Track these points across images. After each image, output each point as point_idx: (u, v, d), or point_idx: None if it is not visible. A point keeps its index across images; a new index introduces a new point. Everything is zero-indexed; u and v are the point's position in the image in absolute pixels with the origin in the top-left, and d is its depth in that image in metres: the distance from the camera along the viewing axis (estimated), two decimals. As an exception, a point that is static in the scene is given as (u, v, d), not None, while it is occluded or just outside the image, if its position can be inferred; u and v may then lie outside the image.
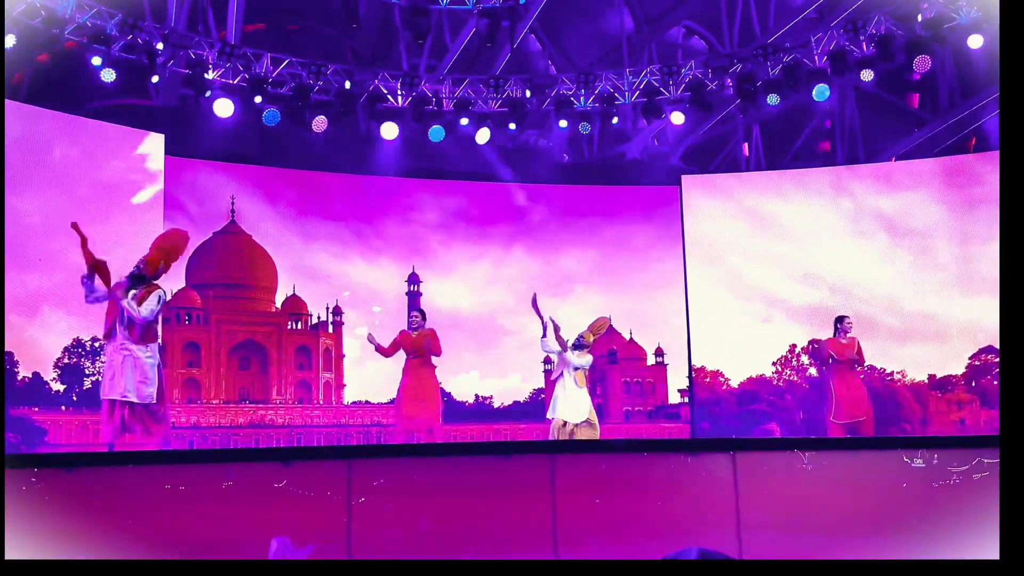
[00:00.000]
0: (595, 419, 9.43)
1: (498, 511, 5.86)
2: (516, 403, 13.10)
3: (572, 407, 9.34)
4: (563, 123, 12.56)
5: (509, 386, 13.10)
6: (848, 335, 10.55)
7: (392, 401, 11.06)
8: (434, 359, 10.19)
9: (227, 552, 5.25)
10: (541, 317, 9.38)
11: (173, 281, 8.94)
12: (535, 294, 9.47)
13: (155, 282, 7.94)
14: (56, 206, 10.74)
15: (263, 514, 5.48)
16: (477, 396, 12.99)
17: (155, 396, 7.86)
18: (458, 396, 12.80)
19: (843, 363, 10.52)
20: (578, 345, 9.44)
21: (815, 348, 10.78)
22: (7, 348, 10.31)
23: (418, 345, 9.98)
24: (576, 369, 9.39)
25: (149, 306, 7.79)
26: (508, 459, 6.19)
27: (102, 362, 10.71)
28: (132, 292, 7.77)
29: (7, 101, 10.44)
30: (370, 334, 10.09)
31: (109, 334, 7.93)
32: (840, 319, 10.67)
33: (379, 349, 10.08)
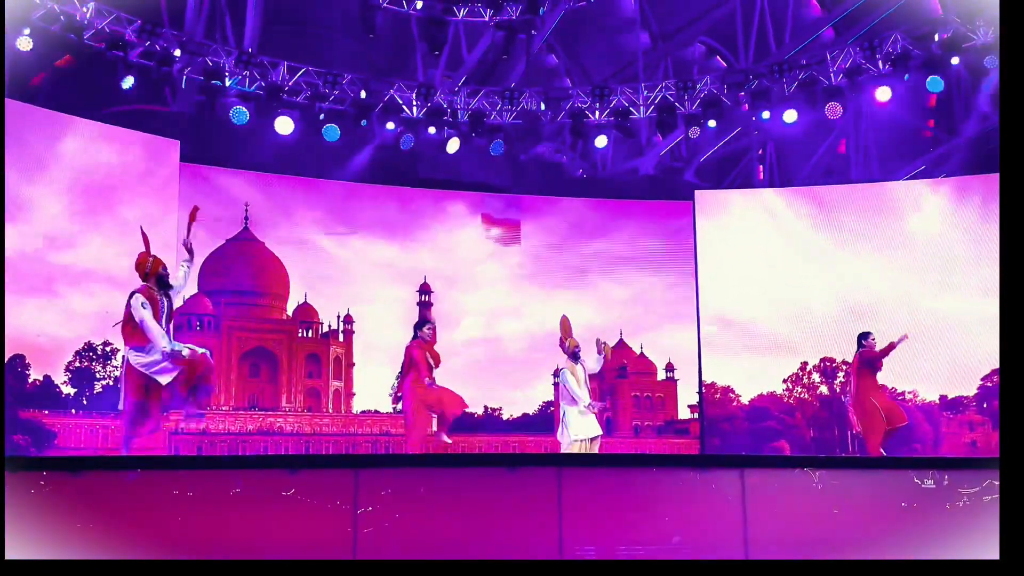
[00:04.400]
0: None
1: (504, 523, 5.85)
2: (525, 415, 13.07)
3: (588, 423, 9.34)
4: (602, 140, 12.67)
5: (518, 398, 13.05)
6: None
7: (401, 412, 11.01)
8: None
9: (233, 558, 5.25)
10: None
11: (186, 287, 8.88)
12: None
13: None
14: (71, 210, 10.81)
15: (270, 521, 5.48)
16: (486, 408, 12.96)
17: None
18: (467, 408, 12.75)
19: (874, 376, 10.71)
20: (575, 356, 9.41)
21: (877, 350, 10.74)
22: (18, 351, 10.35)
23: (437, 359, 9.72)
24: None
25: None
26: (515, 471, 6.17)
27: (113, 366, 10.78)
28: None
29: (25, 105, 10.52)
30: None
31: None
32: (865, 335, 10.70)
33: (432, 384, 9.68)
